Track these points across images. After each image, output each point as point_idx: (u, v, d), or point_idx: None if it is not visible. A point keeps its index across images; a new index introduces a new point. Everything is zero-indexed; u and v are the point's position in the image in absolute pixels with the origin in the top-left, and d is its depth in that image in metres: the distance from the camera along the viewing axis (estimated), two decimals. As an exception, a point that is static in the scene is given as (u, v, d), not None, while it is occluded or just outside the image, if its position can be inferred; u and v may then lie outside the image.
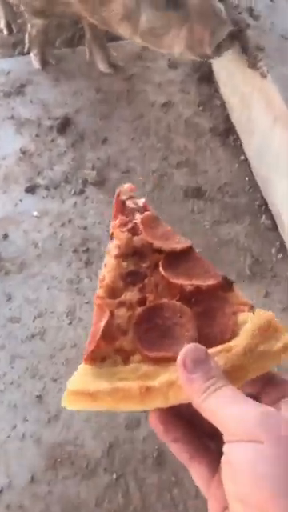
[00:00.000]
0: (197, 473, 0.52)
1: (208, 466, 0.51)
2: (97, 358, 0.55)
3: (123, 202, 0.69)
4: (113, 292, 0.60)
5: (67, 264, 2.06)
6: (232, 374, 0.50)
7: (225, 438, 0.45)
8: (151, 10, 1.86)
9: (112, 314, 0.58)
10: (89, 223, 2.19)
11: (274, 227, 2.13)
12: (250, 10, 2.26)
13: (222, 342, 0.54)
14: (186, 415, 0.53)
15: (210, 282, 0.60)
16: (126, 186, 0.71)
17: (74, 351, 1.84)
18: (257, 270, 2.03)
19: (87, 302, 1.95)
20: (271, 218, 2.15)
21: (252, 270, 2.03)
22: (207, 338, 0.55)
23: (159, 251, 0.63)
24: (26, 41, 2.77)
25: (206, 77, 2.68)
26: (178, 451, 0.53)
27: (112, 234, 0.66)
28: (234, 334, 0.55)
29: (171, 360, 0.52)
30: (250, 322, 0.56)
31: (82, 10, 2.17)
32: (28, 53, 2.78)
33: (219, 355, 0.52)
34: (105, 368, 0.55)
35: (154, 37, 1.94)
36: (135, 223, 0.66)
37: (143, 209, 0.68)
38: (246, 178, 2.31)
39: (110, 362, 0.55)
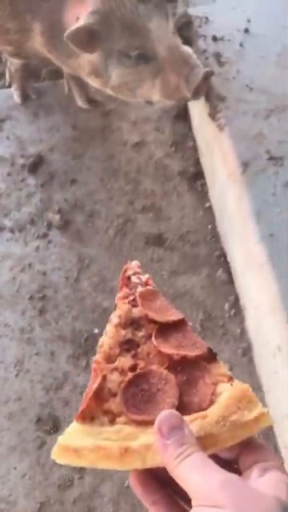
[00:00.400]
0: None
1: None
2: (86, 418, 0.60)
3: (129, 277, 0.76)
4: (109, 358, 0.65)
5: (21, 312, 2.09)
6: (205, 441, 0.54)
7: (192, 503, 0.49)
8: (120, 67, 1.80)
9: (104, 378, 0.63)
10: (48, 269, 2.22)
11: (230, 280, 2.11)
12: (218, 56, 2.23)
13: (200, 409, 0.59)
14: (164, 478, 0.55)
15: (196, 352, 0.65)
16: (134, 263, 0.79)
17: (17, 405, 1.88)
18: (208, 326, 2.02)
19: (37, 353, 1.99)
20: (228, 270, 2.14)
21: (203, 326, 2.02)
22: (186, 405, 0.60)
23: (154, 322, 0.69)
24: (7, 76, 2.80)
25: (182, 115, 2.66)
26: None
27: (116, 305, 0.73)
28: (211, 403, 0.59)
29: (151, 424, 0.56)
30: (226, 392, 0.60)
31: (52, 59, 2.18)
32: (10, 86, 2.82)
33: (194, 422, 0.56)
34: (93, 427, 0.59)
35: (127, 90, 1.89)
36: (136, 296, 0.72)
37: (145, 284, 0.75)
38: (209, 227, 2.29)
39: (98, 422, 0.60)
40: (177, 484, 0.52)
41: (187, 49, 1.79)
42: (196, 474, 0.49)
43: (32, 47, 2.18)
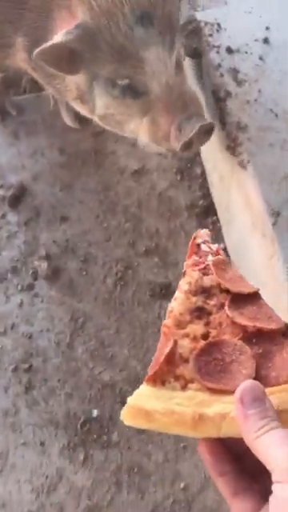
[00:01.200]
0: (238, 510, 0.55)
1: (251, 505, 0.53)
2: (157, 381, 0.59)
3: (198, 245, 0.76)
4: (179, 323, 0.64)
5: (4, 389, 1.73)
6: (284, 416, 0.54)
7: (273, 478, 0.48)
8: (105, 96, 1.46)
9: (176, 343, 0.62)
10: (35, 331, 1.86)
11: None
12: (235, 72, 1.86)
13: (277, 384, 0.58)
14: (234, 451, 0.56)
15: (272, 326, 0.63)
16: (203, 231, 0.79)
17: (0, 514, 1.53)
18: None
19: (23, 444, 1.63)
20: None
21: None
22: (263, 379, 0.58)
23: (227, 292, 0.67)
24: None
25: (187, 135, 2.29)
26: (223, 486, 0.56)
27: (184, 271, 0.72)
28: None
29: (227, 393, 0.56)
30: None
31: (36, 78, 1.81)
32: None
33: (274, 395, 0.55)
34: (164, 391, 0.59)
35: (114, 123, 1.56)
36: (207, 264, 0.71)
37: (216, 253, 0.74)
38: (225, 275, 1.94)
39: (169, 387, 0.59)
40: (247, 459, 0.53)
41: (193, 91, 1.45)
42: (279, 449, 0.49)
43: (14, 64, 1.80)
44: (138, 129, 1.48)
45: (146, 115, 1.40)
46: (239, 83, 1.83)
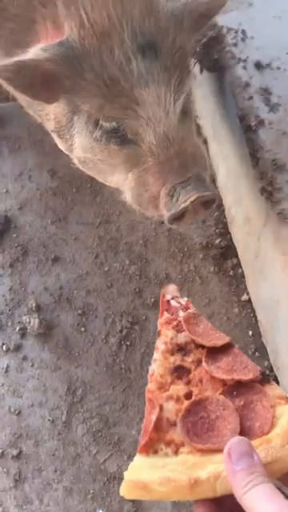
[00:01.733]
0: None
1: None
2: (150, 450, 0.61)
3: (168, 302, 0.76)
4: (162, 386, 0.67)
5: (-12, 484, 1.42)
6: (272, 466, 0.56)
7: None
8: (86, 137, 1.14)
9: (161, 408, 0.64)
10: (25, 404, 1.55)
11: None
12: (266, 94, 1.54)
13: (262, 434, 0.60)
14: (228, 506, 0.57)
15: (250, 375, 0.65)
16: (171, 286, 0.79)
17: None
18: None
19: None
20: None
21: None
22: (248, 430, 0.61)
23: (202, 346, 0.70)
24: None
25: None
26: None
27: (159, 331, 0.73)
28: (273, 427, 0.60)
29: (217, 452, 0.59)
30: (286, 415, 0.61)
31: (19, 100, 1.47)
32: None
33: (260, 447, 0.57)
34: (157, 459, 0.61)
35: (95, 170, 1.24)
36: (179, 321, 0.73)
37: (186, 307, 0.76)
38: (250, 333, 1.65)
39: (162, 454, 0.61)
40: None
41: (199, 150, 1.13)
42: (265, 505, 0.50)
43: None
44: (123, 184, 1.17)
45: (133, 170, 1.11)
46: (272, 108, 1.51)
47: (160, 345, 0.71)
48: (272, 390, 0.65)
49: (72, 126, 1.17)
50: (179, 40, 1.08)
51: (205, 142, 1.97)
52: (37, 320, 1.64)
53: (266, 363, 1.58)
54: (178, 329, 0.72)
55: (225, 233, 1.81)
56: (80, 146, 1.18)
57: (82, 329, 1.66)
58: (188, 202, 1.02)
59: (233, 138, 1.65)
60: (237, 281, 1.73)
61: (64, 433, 1.50)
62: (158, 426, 0.63)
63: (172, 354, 0.70)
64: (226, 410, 0.63)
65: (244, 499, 0.53)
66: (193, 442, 0.61)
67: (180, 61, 1.09)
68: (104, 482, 1.43)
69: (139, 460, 0.61)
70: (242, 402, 0.64)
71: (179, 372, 0.68)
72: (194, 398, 0.65)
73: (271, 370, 1.57)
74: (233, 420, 0.62)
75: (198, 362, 0.69)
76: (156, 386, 0.67)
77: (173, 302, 0.77)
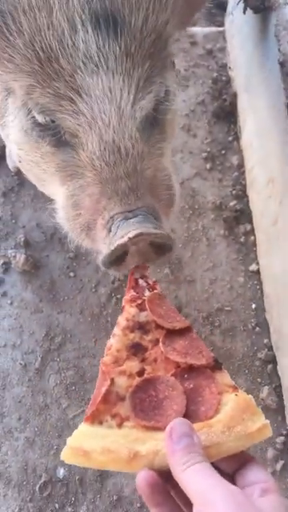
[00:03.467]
0: None
1: None
2: (95, 420, 0.62)
3: (136, 280, 0.77)
4: (117, 360, 0.68)
5: None
6: (211, 450, 0.59)
7: (194, 508, 0.52)
8: (17, 126, 0.86)
9: (112, 382, 0.65)
10: (-3, 344, 1.40)
11: (280, 409, 1.36)
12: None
13: (206, 418, 0.62)
14: (171, 481, 0.57)
15: (203, 361, 0.67)
16: (141, 265, 0.79)
17: None
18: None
19: None
20: (279, 391, 1.38)
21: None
22: (193, 413, 0.62)
23: (162, 327, 0.71)
24: None
25: (226, 114, 1.79)
26: None
27: (123, 307, 0.74)
28: (216, 412, 0.62)
29: (159, 429, 0.61)
30: (231, 402, 0.63)
31: None
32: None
33: (201, 431, 0.60)
34: (101, 429, 0.62)
35: (31, 173, 0.95)
36: (143, 300, 0.74)
37: (152, 287, 0.77)
38: (253, 306, 1.51)
39: (106, 425, 0.62)
40: (179, 490, 0.55)
41: (163, 174, 0.85)
42: (200, 482, 0.53)
43: None
44: (57, 196, 0.89)
45: (67, 183, 0.83)
46: None
47: (122, 321, 0.72)
48: (222, 377, 0.66)
49: (6, 110, 0.89)
50: (155, 20, 0.76)
51: (234, 95, 1.80)
52: (23, 256, 1.49)
53: (265, 341, 1.44)
54: (142, 308, 0.73)
55: (242, 195, 1.65)
56: (14, 139, 0.89)
57: (72, 273, 1.51)
58: (125, 239, 0.73)
59: (268, 89, 1.48)
60: (247, 249, 1.58)
61: (35, 380, 1.36)
62: (107, 398, 0.64)
63: (132, 331, 0.71)
64: (175, 391, 0.65)
65: (181, 476, 0.55)
66: (138, 418, 0.63)
67: (153, 49, 0.77)
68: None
69: (84, 428, 0.62)
70: (191, 386, 0.65)
71: (136, 349, 0.70)
72: (145, 375, 0.67)
73: (270, 348, 1.43)
74: (180, 402, 0.64)
75: (156, 342, 0.70)
76: (111, 360, 0.68)
77: (140, 281, 0.77)
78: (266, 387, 1.38)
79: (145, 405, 0.64)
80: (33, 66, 0.74)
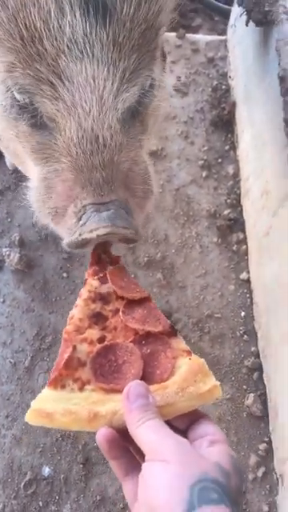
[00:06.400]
0: (127, 488, 0.64)
1: (137, 482, 0.58)
2: (58, 384, 0.66)
3: (98, 255, 0.81)
4: (78, 329, 0.72)
5: None
6: (165, 409, 0.63)
7: (146, 458, 0.58)
8: None
9: (74, 348, 0.69)
10: (-12, 341, 1.41)
11: (264, 416, 1.39)
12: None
13: (161, 380, 0.67)
14: (129, 438, 0.62)
15: (160, 328, 0.71)
16: (104, 242, 0.81)
17: None
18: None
19: None
20: (263, 398, 1.41)
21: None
22: (149, 376, 0.67)
23: (122, 298, 0.75)
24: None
25: (224, 123, 1.82)
26: (116, 468, 0.65)
27: (85, 280, 0.78)
28: (171, 375, 0.68)
29: (118, 391, 0.65)
30: (185, 366, 0.68)
31: None
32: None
33: (157, 392, 0.65)
34: (63, 393, 0.66)
35: (10, 150, 0.95)
36: (105, 273, 0.78)
37: (115, 261, 0.81)
38: (242, 314, 1.53)
39: (68, 389, 0.66)
40: (135, 445, 0.60)
41: (142, 170, 0.84)
42: (152, 435, 0.58)
43: None
44: (31, 175, 0.89)
45: (42, 165, 0.82)
46: None
47: (84, 292, 0.76)
48: (177, 343, 0.71)
49: None
50: (147, 9, 0.74)
51: (233, 105, 1.82)
52: (17, 255, 1.50)
53: (252, 349, 1.47)
54: (103, 280, 0.77)
55: (236, 205, 1.68)
56: None
57: (65, 274, 1.53)
58: (93, 235, 0.75)
59: (267, 102, 1.50)
60: (239, 257, 1.60)
61: (24, 379, 1.37)
62: (69, 363, 0.67)
63: (93, 302, 0.75)
64: (133, 356, 0.69)
65: (135, 432, 0.59)
66: (98, 382, 0.66)
67: (142, 39, 0.75)
68: (57, 439, 1.31)
69: (47, 392, 0.65)
70: (148, 351, 0.70)
71: (97, 318, 0.73)
72: (106, 342, 0.71)
73: (257, 356, 1.46)
74: (137, 366, 0.68)
75: (116, 312, 0.74)
76: (73, 329, 0.71)
77: (103, 256, 0.80)
78: (252, 394, 1.40)
79: (105, 369, 0.68)
80: (15, 44, 0.71)
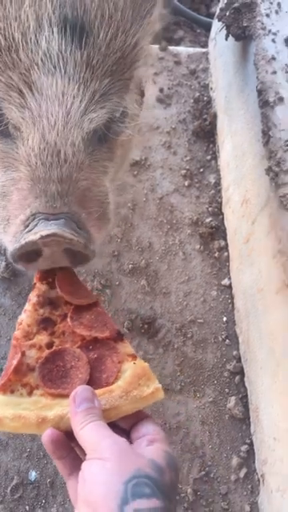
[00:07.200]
0: (71, 486, 0.68)
1: None
2: (7, 390, 0.69)
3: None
4: (27, 334, 0.74)
5: None
6: (110, 412, 0.67)
7: (86, 456, 0.62)
8: None
9: (23, 354, 0.71)
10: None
11: (245, 418, 1.43)
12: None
13: (107, 384, 0.70)
14: (74, 439, 0.66)
15: (107, 333, 0.75)
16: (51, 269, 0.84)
17: None
18: (203, 493, 1.34)
19: None
20: (245, 401, 1.45)
21: (196, 491, 1.34)
22: (96, 380, 0.71)
23: (70, 303, 0.78)
24: None
25: (206, 132, 1.87)
26: (61, 467, 0.70)
27: (34, 284, 0.80)
28: (116, 379, 0.71)
29: (65, 396, 0.68)
30: (130, 370, 0.72)
31: None
32: None
33: (102, 396, 0.68)
34: (13, 398, 0.68)
35: None
36: (54, 278, 0.80)
37: (64, 267, 0.81)
38: (224, 319, 1.57)
39: (17, 394, 0.69)
40: (80, 446, 0.65)
41: (100, 193, 0.85)
42: (93, 435, 0.63)
43: None
44: None
45: (1, 173, 0.82)
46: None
47: (32, 297, 0.77)
48: (124, 347, 0.74)
49: None
50: (123, 40, 0.78)
51: (214, 116, 1.88)
52: (3, 263, 1.53)
53: (234, 353, 1.51)
54: (52, 285, 0.78)
55: (217, 213, 1.72)
56: None
57: (50, 282, 1.55)
58: (37, 236, 0.73)
59: (246, 113, 1.56)
60: (220, 264, 1.65)
61: (10, 385, 1.40)
62: (18, 369, 0.69)
63: (42, 307, 0.76)
64: (80, 362, 0.71)
65: (79, 434, 0.64)
66: (46, 387, 0.69)
67: (116, 67, 0.78)
68: (43, 443, 1.34)
69: None
70: (95, 356, 0.72)
71: (46, 324, 0.75)
72: (54, 348, 0.73)
73: (239, 360, 1.50)
74: (84, 371, 0.70)
75: (64, 317, 0.76)
76: (22, 335, 0.73)
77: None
78: (233, 397, 1.44)
79: (53, 374, 0.71)
80: None
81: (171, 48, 2.08)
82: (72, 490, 0.68)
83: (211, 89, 1.98)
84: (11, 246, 0.79)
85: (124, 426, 0.71)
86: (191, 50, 2.11)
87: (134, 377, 0.71)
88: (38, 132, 0.75)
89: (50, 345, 0.74)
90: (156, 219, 1.69)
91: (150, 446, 0.65)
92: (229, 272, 1.63)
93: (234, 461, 1.37)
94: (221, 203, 1.74)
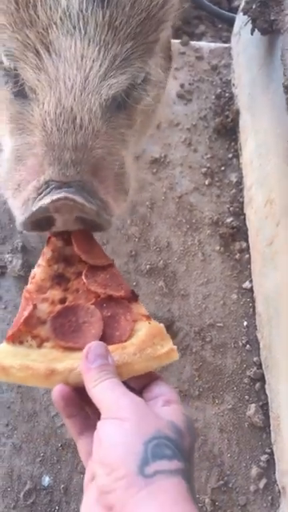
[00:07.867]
0: (82, 446, 0.65)
1: (92, 441, 0.59)
2: (16, 340, 0.67)
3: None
4: (40, 289, 0.72)
5: None
6: (122, 369, 0.65)
7: (101, 416, 0.59)
8: None
9: (35, 307, 0.70)
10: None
11: (266, 427, 1.38)
12: None
13: (120, 341, 0.68)
14: (84, 396, 0.63)
15: (121, 293, 0.73)
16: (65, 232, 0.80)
17: None
18: (220, 504, 1.30)
19: None
20: (265, 409, 1.40)
21: (214, 501, 1.30)
22: (108, 337, 0.68)
23: (85, 262, 0.75)
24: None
25: (228, 129, 1.81)
26: (71, 426, 0.66)
27: (49, 238, 0.77)
28: (130, 337, 0.69)
29: (76, 350, 0.66)
30: (144, 329, 0.70)
31: None
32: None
33: (115, 352, 0.66)
34: (21, 349, 0.66)
35: None
36: (69, 235, 0.76)
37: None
38: (245, 323, 1.52)
39: (27, 345, 0.67)
40: (92, 404, 0.61)
41: (118, 166, 0.81)
42: (108, 393, 0.59)
43: None
44: (6, 148, 0.84)
45: (16, 136, 0.79)
46: None
47: (47, 252, 0.75)
48: (137, 308, 0.72)
49: None
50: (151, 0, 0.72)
51: (237, 113, 1.82)
52: (20, 261, 1.49)
53: (255, 359, 1.46)
54: (68, 242, 0.76)
55: (239, 213, 1.67)
56: None
57: (67, 281, 1.52)
58: (48, 200, 0.71)
59: (271, 110, 1.50)
60: (241, 266, 1.60)
61: (25, 387, 1.36)
62: (29, 321, 0.68)
63: (56, 263, 0.74)
64: (93, 318, 0.69)
65: (93, 391, 0.61)
66: (57, 339, 0.67)
67: (140, 29, 0.72)
68: (57, 448, 1.30)
69: (5, 347, 0.66)
70: (109, 314, 0.70)
71: (59, 279, 0.73)
72: (67, 303, 0.71)
73: (259, 366, 1.45)
74: (97, 326, 0.68)
75: (79, 274, 0.73)
76: (35, 288, 0.72)
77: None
78: (253, 405, 1.39)
79: (65, 328, 0.69)
80: (9, 6, 0.69)
81: (192, 43, 2.02)
82: (83, 450, 0.65)
83: (233, 85, 1.92)
84: (21, 214, 0.76)
85: (135, 386, 0.67)
86: (213, 45, 2.06)
87: (148, 335, 0.69)
88: (54, 96, 0.71)
89: (63, 300, 0.72)
90: (175, 219, 1.65)
91: (167, 406, 0.62)
92: (250, 275, 1.58)
93: (254, 471, 1.33)
94: (242, 203, 1.68)
